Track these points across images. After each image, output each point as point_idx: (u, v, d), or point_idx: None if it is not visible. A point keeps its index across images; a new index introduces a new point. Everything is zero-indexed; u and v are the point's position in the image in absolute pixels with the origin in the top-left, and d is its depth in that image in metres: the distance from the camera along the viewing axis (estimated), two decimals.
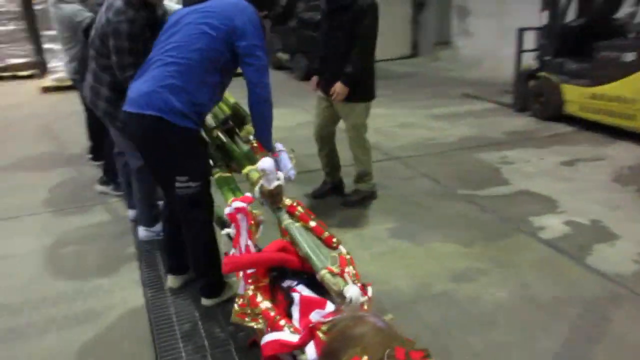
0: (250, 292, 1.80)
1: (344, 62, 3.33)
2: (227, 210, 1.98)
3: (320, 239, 2.05)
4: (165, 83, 2.10)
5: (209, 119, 2.57)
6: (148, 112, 2.09)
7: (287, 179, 2.49)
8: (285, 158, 2.45)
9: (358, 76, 3.35)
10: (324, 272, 1.80)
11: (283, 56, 9.50)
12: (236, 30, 2.15)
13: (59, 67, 7.09)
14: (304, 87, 7.97)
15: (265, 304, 1.76)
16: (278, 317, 1.73)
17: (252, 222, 2.00)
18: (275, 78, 9.35)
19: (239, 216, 1.95)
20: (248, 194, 2.07)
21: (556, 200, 3.80)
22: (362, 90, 3.47)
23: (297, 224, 2.04)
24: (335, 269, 1.80)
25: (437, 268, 2.94)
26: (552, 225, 3.42)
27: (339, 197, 3.92)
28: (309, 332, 1.57)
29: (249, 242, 1.95)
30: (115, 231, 3.47)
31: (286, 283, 1.91)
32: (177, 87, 2.10)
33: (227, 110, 2.62)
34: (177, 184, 2.23)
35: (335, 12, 3.39)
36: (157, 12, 2.76)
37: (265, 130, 2.33)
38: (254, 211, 2.06)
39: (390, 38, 10.75)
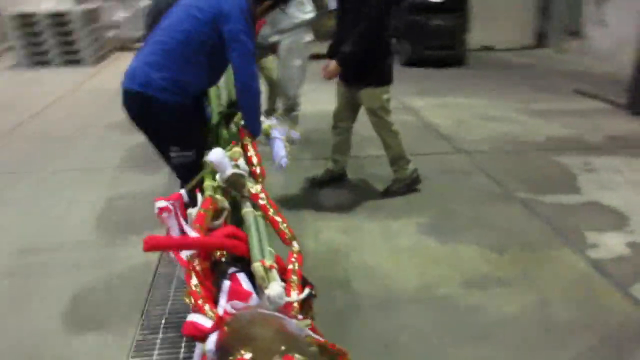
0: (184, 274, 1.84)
1: None
2: (154, 209, 1.97)
3: (276, 232, 2.01)
4: (149, 60, 2.20)
5: (224, 101, 2.64)
6: (134, 87, 2.19)
7: (279, 167, 2.39)
8: (278, 145, 2.39)
9: (356, 57, 3.23)
10: (256, 264, 1.78)
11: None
12: (222, 14, 2.16)
13: None
14: (406, 72, 7.81)
15: (194, 285, 1.78)
16: (202, 300, 1.74)
17: (210, 207, 2.01)
18: None
19: (165, 215, 1.95)
20: (181, 191, 2.06)
21: (630, 217, 3.30)
22: (371, 74, 3.35)
23: (258, 213, 2.03)
24: (268, 262, 1.77)
25: (452, 271, 2.75)
26: (610, 244, 2.99)
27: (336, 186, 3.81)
28: (217, 322, 1.58)
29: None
30: (168, 191, 3.75)
31: (231, 269, 1.92)
32: (160, 64, 2.18)
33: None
34: (172, 154, 2.33)
35: None
36: None
37: (250, 116, 2.33)
38: (217, 196, 2.08)
39: (509, 26, 9.99)
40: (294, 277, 1.81)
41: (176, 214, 1.91)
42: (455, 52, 8.15)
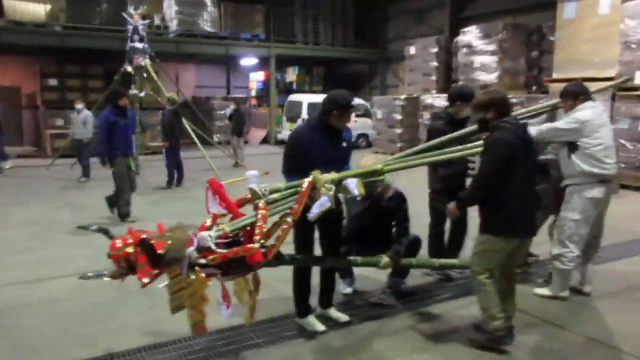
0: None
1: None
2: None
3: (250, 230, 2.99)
4: None
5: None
6: None
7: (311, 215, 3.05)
8: (316, 205, 2.98)
9: (469, 203, 3.40)
10: (222, 226, 3.03)
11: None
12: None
13: None
14: None
15: (207, 221, 3.09)
16: (204, 225, 3.05)
17: (248, 197, 3.18)
18: None
19: (209, 191, 3.13)
20: (222, 182, 3.20)
21: None
22: (485, 220, 3.21)
23: (258, 215, 2.99)
24: (225, 227, 3.00)
25: None
26: None
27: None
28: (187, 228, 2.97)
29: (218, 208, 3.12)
30: None
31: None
32: None
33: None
34: None
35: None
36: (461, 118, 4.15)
37: None
38: (256, 190, 3.12)
39: None
40: (225, 250, 2.87)
41: (214, 192, 3.12)
42: None
